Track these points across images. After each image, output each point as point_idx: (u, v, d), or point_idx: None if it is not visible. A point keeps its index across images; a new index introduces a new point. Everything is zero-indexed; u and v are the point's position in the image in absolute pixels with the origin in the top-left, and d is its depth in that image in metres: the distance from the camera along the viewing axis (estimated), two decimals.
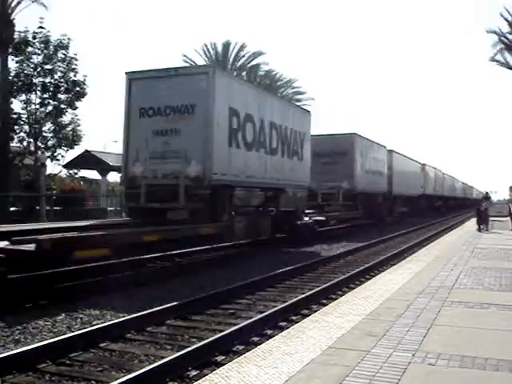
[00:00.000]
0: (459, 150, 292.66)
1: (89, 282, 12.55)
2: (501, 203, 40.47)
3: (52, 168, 33.16)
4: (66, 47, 30.32)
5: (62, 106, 30.70)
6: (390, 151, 40.95)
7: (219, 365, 6.90)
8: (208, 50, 50.02)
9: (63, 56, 30.42)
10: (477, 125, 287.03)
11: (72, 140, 31.54)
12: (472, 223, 29.37)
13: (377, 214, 36.54)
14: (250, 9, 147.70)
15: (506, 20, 43.46)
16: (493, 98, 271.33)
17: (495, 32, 44.66)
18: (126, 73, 17.53)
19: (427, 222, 41.13)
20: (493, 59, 45.35)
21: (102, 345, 8.10)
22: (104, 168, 34.99)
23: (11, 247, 10.85)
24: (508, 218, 29.46)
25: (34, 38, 29.72)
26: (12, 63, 28.90)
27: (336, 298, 10.16)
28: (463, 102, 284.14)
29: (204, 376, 5.45)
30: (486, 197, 28.69)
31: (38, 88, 29.99)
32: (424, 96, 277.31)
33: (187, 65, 45.51)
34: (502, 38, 44.35)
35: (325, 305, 9.92)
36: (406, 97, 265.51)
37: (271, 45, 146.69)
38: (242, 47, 50.29)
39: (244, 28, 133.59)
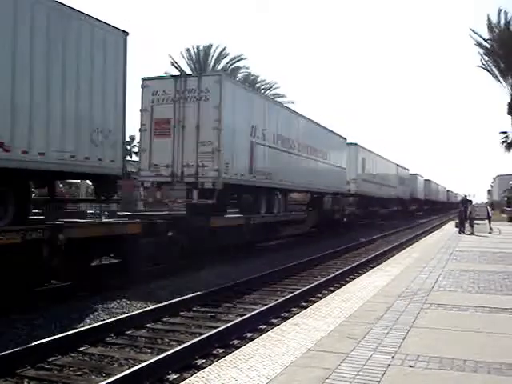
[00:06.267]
0: (438, 154, 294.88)
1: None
2: (479, 206, 40.94)
3: None
4: None
5: None
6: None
7: (199, 368, 6.90)
8: (190, 53, 50.13)
9: None
10: (457, 130, 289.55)
11: None
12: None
13: None
14: (231, 11, 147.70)
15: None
16: (470, 103, 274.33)
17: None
18: None
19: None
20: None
21: (81, 348, 8.05)
22: None
23: None
24: (486, 221, 29.71)
25: None
26: None
27: (316, 301, 10.19)
28: (440, 107, 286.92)
29: (184, 379, 5.43)
30: (465, 200, 28.87)
31: None
32: (403, 100, 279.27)
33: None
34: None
35: (305, 307, 9.94)
36: (386, 100, 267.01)
37: (252, 47, 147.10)
38: (224, 50, 50.52)
39: (224, 30, 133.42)
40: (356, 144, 38.14)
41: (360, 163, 38.48)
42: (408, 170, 62.74)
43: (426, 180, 76.17)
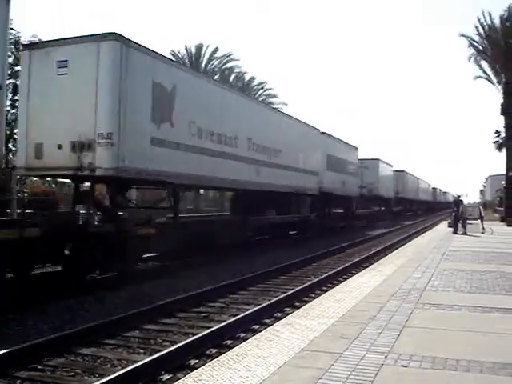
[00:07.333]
0: (432, 154, 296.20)
1: None
2: (472, 206, 41.08)
3: None
4: None
5: None
6: None
7: (192, 368, 6.89)
8: (182, 53, 50.12)
9: None
10: (451, 131, 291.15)
11: None
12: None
13: None
14: (231, 11, 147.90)
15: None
16: (464, 104, 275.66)
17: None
18: None
19: None
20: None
21: (73, 349, 8.02)
22: None
23: None
24: (479, 221, 29.78)
25: None
26: None
27: (309, 301, 10.18)
28: (434, 108, 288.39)
29: (177, 380, 5.42)
30: (457, 201, 28.88)
31: (9, 90, 29.47)
32: (399, 100, 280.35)
33: None
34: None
35: (298, 307, 9.94)
36: (382, 100, 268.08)
37: (252, 47, 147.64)
38: (216, 50, 50.54)
39: (217, 30, 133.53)
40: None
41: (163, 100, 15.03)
42: (357, 148, 39.86)
43: (397, 171, 56.65)
